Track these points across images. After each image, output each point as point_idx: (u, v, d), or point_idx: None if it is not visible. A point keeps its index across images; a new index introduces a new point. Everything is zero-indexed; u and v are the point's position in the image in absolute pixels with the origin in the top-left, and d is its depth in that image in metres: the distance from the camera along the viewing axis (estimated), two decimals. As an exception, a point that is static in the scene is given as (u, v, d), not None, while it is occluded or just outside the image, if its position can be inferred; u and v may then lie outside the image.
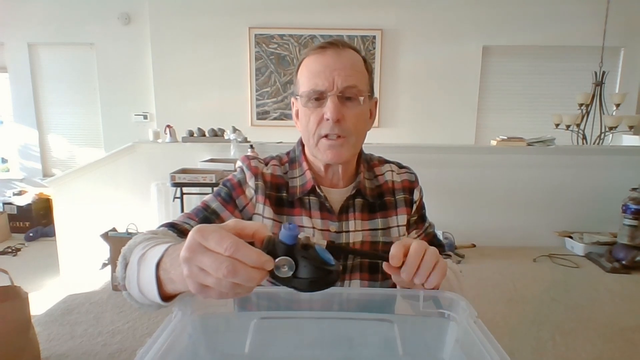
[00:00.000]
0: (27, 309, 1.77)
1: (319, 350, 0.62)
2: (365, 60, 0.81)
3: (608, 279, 2.78)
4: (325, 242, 0.48)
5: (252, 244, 0.44)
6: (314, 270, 0.42)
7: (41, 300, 2.44)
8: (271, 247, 0.43)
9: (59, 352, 1.94)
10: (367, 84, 0.80)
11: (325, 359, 0.63)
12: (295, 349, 0.62)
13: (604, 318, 2.25)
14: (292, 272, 0.43)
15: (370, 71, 0.82)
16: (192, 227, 0.75)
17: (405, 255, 0.59)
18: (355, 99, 0.76)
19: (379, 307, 0.63)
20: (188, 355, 0.55)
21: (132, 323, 2.21)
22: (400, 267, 0.59)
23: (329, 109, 0.74)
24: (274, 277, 0.43)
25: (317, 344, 0.62)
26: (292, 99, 0.85)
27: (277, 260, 0.42)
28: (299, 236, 0.44)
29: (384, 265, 0.61)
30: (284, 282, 0.43)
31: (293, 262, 0.42)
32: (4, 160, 4.90)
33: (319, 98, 0.76)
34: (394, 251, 0.58)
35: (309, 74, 0.77)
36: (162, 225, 0.75)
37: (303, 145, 0.87)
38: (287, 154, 0.91)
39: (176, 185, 2.69)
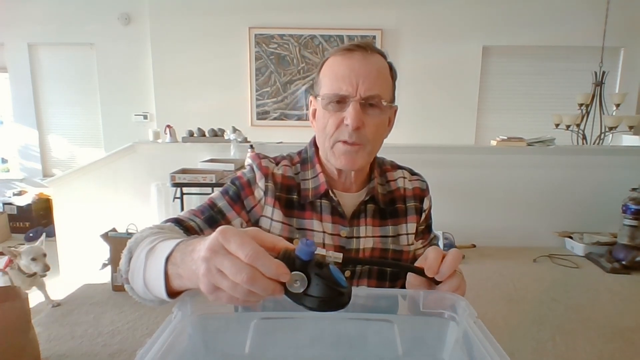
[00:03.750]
0: (27, 309, 1.78)
1: (319, 350, 0.62)
2: (391, 67, 0.80)
3: (608, 279, 2.78)
4: (340, 255, 0.47)
5: None
6: (326, 290, 0.42)
7: (41, 300, 2.44)
8: (286, 260, 0.42)
9: (59, 352, 1.94)
10: (390, 91, 0.78)
11: (325, 359, 0.63)
12: (295, 349, 0.62)
13: (604, 318, 2.25)
14: (304, 289, 0.42)
15: (394, 78, 0.81)
16: (198, 224, 0.75)
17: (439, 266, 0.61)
18: (377, 107, 0.75)
19: (381, 310, 0.62)
20: (188, 356, 0.55)
21: (132, 323, 2.21)
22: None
23: (349, 114, 0.72)
24: (286, 292, 0.43)
25: (317, 344, 0.62)
26: (311, 98, 0.83)
27: (291, 274, 0.42)
28: (315, 253, 0.44)
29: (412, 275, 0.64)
30: (295, 298, 0.43)
31: (306, 278, 0.42)
32: (4, 161, 4.90)
33: (340, 102, 0.74)
34: (433, 262, 0.61)
35: (333, 76, 0.75)
36: (167, 221, 0.73)
37: (316, 147, 0.85)
38: (299, 153, 0.88)
39: (176, 185, 2.69)
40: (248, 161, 0.87)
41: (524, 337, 2.07)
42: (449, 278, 0.60)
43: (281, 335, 0.62)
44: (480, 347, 0.47)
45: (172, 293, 0.51)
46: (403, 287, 0.89)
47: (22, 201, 4.27)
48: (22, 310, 1.75)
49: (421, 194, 0.90)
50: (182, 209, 2.82)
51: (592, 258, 3.09)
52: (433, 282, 0.62)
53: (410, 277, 0.67)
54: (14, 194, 4.43)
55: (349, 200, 0.83)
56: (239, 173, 0.85)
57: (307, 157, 0.86)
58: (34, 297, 2.49)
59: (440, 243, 3.00)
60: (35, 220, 4.24)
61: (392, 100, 0.80)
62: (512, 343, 2.02)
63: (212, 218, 0.78)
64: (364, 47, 0.75)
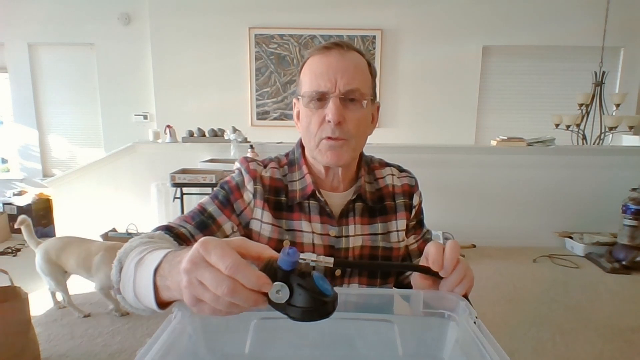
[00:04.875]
0: (27, 309, 1.77)
1: (319, 350, 0.62)
2: (369, 64, 0.80)
3: (608, 279, 2.78)
4: (331, 260, 0.47)
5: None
6: (308, 300, 0.42)
7: (41, 300, 2.44)
8: (269, 270, 0.43)
9: (59, 352, 1.94)
10: (370, 87, 0.79)
11: (325, 359, 0.63)
12: (295, 349, 0.62)
13: (604, 318, 2.25)
14: (286, 299, 0.42)
15: (374, 75, 0.81)
16: (188, 230, 0.75)
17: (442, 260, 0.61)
18: (358, 102, 0.76)
19: (377, 309, 0.63)
20: (188, 356, 0.55)
21: (132, 323, 2.21)
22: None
23: (330, 110, 0.73)
24: (269, 303, 0.43)
25: (317, 344, 0.62)
26: (294, 100, 0.84)
27: (272, 284, 0.42)
28: (300, 260, 0.44)
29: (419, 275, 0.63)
30: (279, 308, 0.43)
31: (288, 289, 0.42)
32: (4, 161, 4.90)
33: (320, 99, 0.75)
34: (436, 257, 0.61)
35: (312, 74, 0.76)
36: (157, 228, 0.73)
37: (303, 148, 0.86)
38: (286, 155, 0.89)
39: (176, 185, 2.69)
40: (237, 165, 0.87)
41: (524, 337, 2.07)
42: (453, 270, 0.61)
43: (281, 335, 0.62)
44: (480, 347, 0.47)
45: (162, 304, 0.51)
46: (396, 284, 0.90)
47: (22, 201, 4.26)
48: (22, 311, 1.75)
49: (410, 190, 0.90)
50: (182, 208, 2.83)
51: (592, 258, 3.09)
52: (438, 278, 0.62)
53: (416, 277, 0.67)
54: (14, 194, 4.42)
55: (337, 200, 0.83)
56: (227, 177, 0.85)
57: (294, 159, 0.87)
58: (34, 297, 2.49)
59: (440, 242, 3.00)
60: (35, 220, 4.22)
61: (373, 96, 0.81)
62: (512, 343, 2.02)
63: (203, 223, 0.78)
64: (340, 45, 0.77)
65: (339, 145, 0.76)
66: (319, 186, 0.83)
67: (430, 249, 0.62)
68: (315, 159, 0.81)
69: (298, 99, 0.81)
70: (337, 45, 0.76)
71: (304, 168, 0.84)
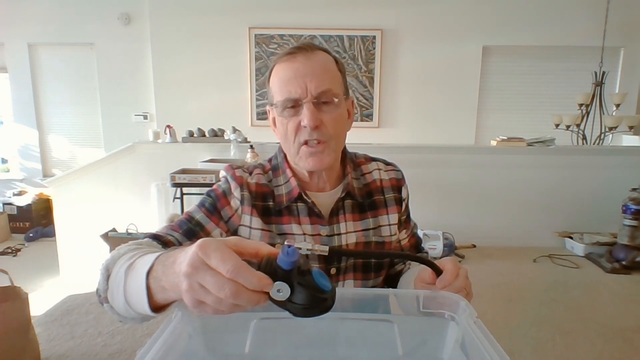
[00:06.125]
0: (27, 309, 1.77)
1: (319, 350, 0.62)
2: (337, 61, 0.80)
3: (608, 279, 2.78)
4: (327, 248, 0.49)
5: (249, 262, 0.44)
6: (308, 297, 0.43)
7: (41, 300, 2.44)
8: (268, 270, 0.43)
9: (59, 352, 1.94)
10: (341, 84, 0.79)
11: (325, 359, 0.63)
12: (295, 349, 0.62)
13: (604, 318, 2.25)
14: (287, 297, 0.43)
15: (343, 71, 0.81)
16: (176, 238, 0.75)
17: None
18: (331, 103, 0.75)
19: (372, 304, 0.63)
20: (188, 355, 0.55)
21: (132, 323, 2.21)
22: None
23: (305, 116, 0.73)
24: (270, 299, 0.44)
25: (317, 344, 0.62)
26: (268, 107, 0.84)
27: (273, 284, 0.43)
28: (298, 251, 0.45)
29: (432, 274, 0.65)
30: (280, 305, 0.44)
31: (289, 288, 0.43)
32: (4, 161, 4.90)
33: (294, 106, 0.75)
34: (449, 278, 0.64)
35: (281, 82, 0.76)
36: (145, 237, 0.74)
37: (285, 152, 0.86)
38: (269, 161, 0.90)
39: (176, 185, 2.69)
40: (222, 173, 0.89)
41: (524, 337, 2.07)
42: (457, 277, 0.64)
43: (281, 335, 0.62)
44: (480, 347, 0.47)
45: (156, 307, 0.51)
46: (388, 277, 0.90)
47: (22, 201, 4.27)
48: (22, 311, 1.75)
49: (398, 183, 0.91)
50: (182, 209, 2.83)
51: (592, 258, 3.09)
52: (438, 273, 0.65)
53: (417, 283, 0.69)
54: (14, 194, 4.43)
55: (325, 200, 0.84)
56: (214, 186, 0.86)
57: (277, 164, 0.87)
58: (34, 297, 2.49)
59: (440, 243, 3.00)
60: (35, 220, 4.24)
61: (345, 92, 0.81)
62: (512, 343, 2.02)
63: (191, 231, 0.78)
64: (304, 47, 0.76)
65: (320, 150, 0.76)
66: (305, 188, 0.83)
67: (447, 264, 0.65)
68: (298, 165, 0.81)
69: (272, 106, 0.81)
70: (301, 48, 0.76)
71: (288, 172, 0.84)
